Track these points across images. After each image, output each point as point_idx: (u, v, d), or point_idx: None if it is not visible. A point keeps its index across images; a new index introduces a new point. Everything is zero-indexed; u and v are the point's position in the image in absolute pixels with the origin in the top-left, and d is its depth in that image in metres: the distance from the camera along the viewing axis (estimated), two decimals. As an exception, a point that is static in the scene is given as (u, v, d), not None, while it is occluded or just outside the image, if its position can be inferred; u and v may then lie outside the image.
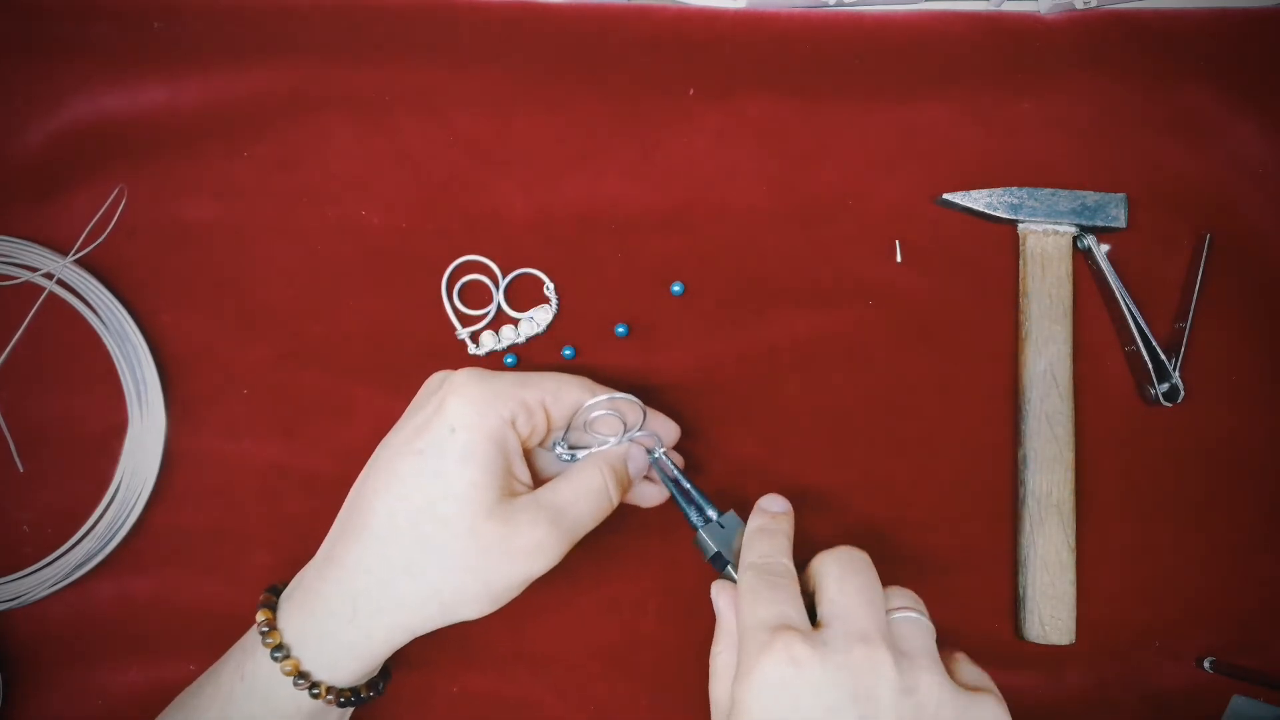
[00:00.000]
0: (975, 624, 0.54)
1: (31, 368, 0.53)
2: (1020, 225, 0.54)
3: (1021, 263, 0.54)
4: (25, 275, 0.52)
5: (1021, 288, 0.54)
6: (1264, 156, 0.55)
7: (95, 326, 0.52)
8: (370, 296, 0.54)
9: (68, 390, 0.53)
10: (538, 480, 0.47)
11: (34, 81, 0.53)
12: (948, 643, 0.53)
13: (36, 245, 0.52)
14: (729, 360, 0.54)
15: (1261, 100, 0.55)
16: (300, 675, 0.42)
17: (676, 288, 0.54)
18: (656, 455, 0.48)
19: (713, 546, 0.46)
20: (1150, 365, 0.53)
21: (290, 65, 0.54)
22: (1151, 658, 0.54)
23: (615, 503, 0.46)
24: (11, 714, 0.51)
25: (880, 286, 0.55)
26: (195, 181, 0.54)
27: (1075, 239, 0.54)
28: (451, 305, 0.54)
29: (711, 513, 0.47)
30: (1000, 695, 0.41)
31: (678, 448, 0.51)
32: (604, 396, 0.46)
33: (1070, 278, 0.54)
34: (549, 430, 0.47)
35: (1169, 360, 0.53)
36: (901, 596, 0.43)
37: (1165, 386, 0.53)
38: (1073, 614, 0.52)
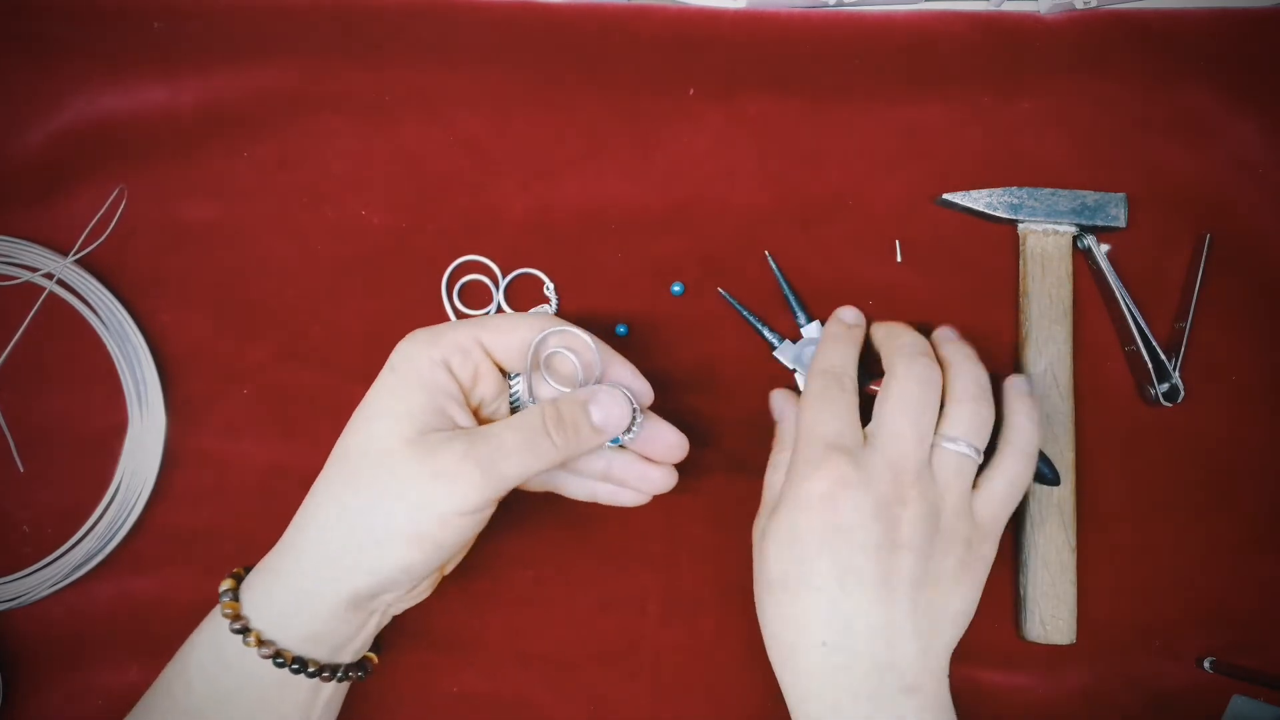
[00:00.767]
0: (975, 624, 0.53)
1: (32, 368, 0.53)
2: (1020, 225, 0.54)
3: (1021, 263, 0.54)
4: (25, 275, 0.52)
5: (1021, 288, 0.54)
6: (1264, 156, 0.55)
7: (95, 326, 0.52)
8: (370, 296, 0.54)
9: (68, 390, 0.53)
10: None
11: (34, 81, 0.53)
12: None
13: (37, 245, 0.52)
14: (729, 360, 0.54)
15: (1261, 100, 0.55)
16: (261, 643, 0.41)
17: (676, 288, 0.54)
18: (635, 410, 0.45)
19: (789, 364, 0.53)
20: (1150, 365, 0.53)
21: (290, 65, 0.54)
22: (1152, 658, 0.54)
23: (558, 446, 0.42)
24: (11, 714, 0.51)
25: (880, 286, 0.55)
26: (195, 181, 0.54)
27: (1075, 239, 0.54)
28: (451, 305, 0.54)
29: (802, 317, 0.53)
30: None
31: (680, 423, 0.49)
32: (549, 330, 0.43)
33: (1070, 278, 0.54)
34: (503, 375, 0.45)
35: (1169, 360, 0.53)
36: (957, 423, 0.45)
37: (1165, 386, 0.53)
38: (1073, 614, 0.52)
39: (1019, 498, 0.46)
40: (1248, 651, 0.53)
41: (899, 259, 0.55)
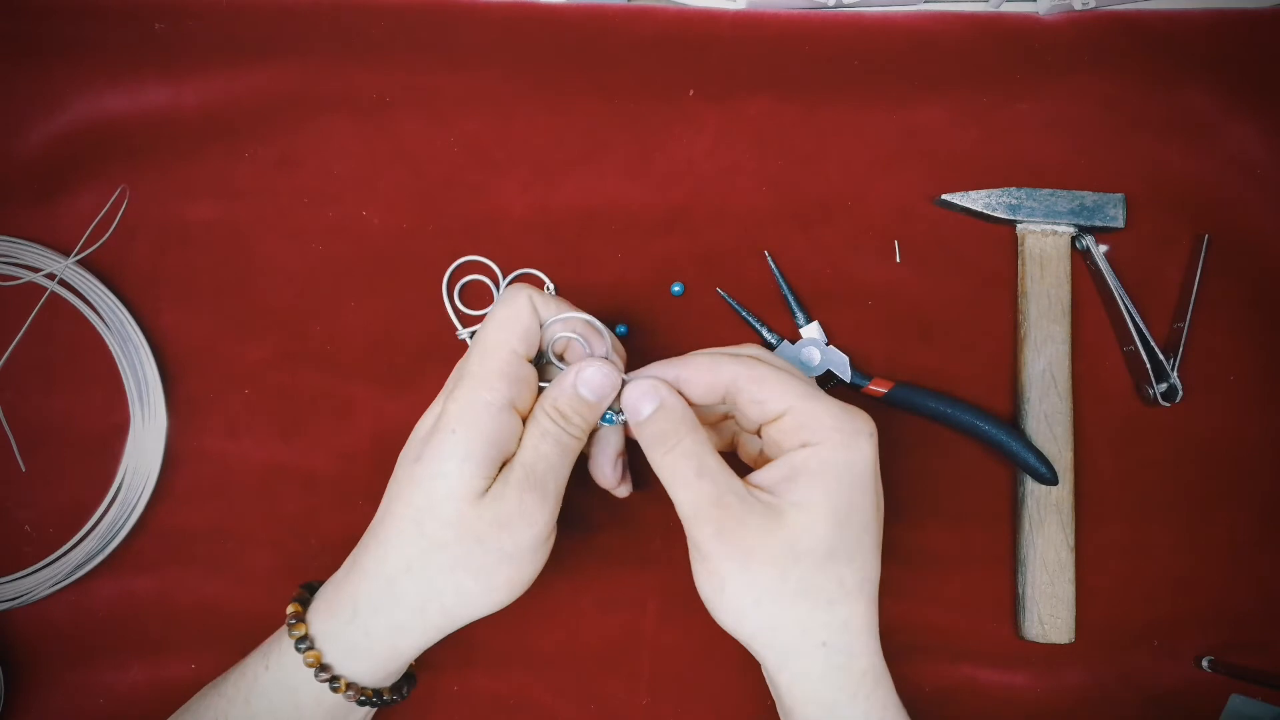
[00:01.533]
0: (975, 624, 0.54)
1: (34, 368, 0.53)
2: (1019, 225, 0.54)
3: (1020, 263, 0.54)
4: (27, 276, 0.52)
5: (1020, 288, 0.54)
6: (1263, 156, 0.55)
7: (97, 327, 0.52)
8: (370, 296, 0.54)
9: (69, 390, 0.53)
10: None
11: (36, 82, 0.53)
12: (947, 642, 0.54)
13: (39, 246, 0.52)
14: (729, 360, 0.54)
15: (1259, 101, 0.55)
16: (322, 668, 0.43)
17: (676, 288, 0.54)
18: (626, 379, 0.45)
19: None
20: (1149, 365, 0.53)
21: (290, 65, 0.54)
22: (1150, 657, 0.54)
23: (575, 435, 0.44)
24: (13, 713, 0.52)
25: (880, 286, 0.55)
26: (196, 182, 0.54)
27: (1074, 239, 0.54)
28: (452, 305, 0.54)
29: (801, 318, 0.53)
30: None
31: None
32: (560, 316, 0.44)
33: (1069, 278, 0.54)
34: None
35: (1167, 360, 0.53)
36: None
37: (1163, 386, 0.53)
38: (1072, 613, 0.52)
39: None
40: (1246, 650, 0.54)
41: (898, 259, 0.55)
